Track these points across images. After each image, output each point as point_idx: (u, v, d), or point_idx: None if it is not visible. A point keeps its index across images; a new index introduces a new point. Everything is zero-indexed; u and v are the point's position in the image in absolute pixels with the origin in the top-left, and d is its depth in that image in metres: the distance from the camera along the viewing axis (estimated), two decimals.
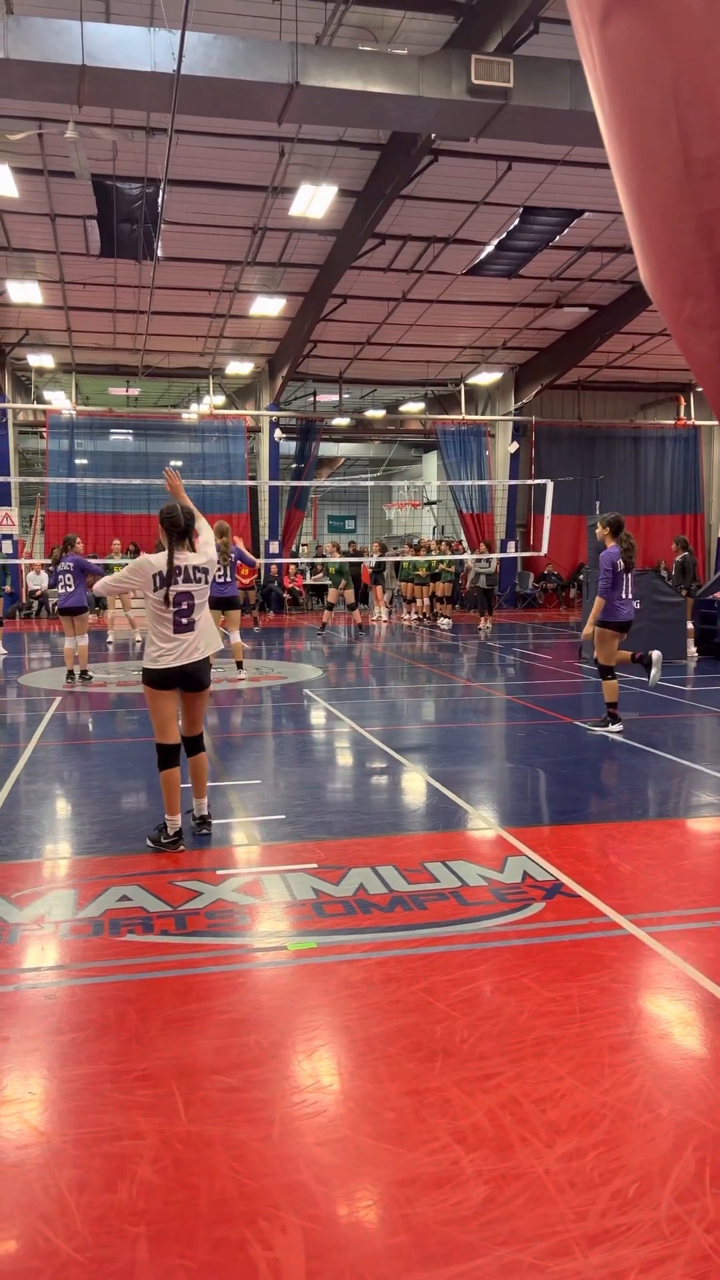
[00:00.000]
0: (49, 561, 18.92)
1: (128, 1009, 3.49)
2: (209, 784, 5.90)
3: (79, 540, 12.56)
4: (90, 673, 12.10)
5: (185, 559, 5.43)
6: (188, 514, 5.53)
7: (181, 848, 5.37)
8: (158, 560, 5.41)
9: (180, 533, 5.46)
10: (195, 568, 5.44)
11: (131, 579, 5.42)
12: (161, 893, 4.65)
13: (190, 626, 5.40)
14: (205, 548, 5.58)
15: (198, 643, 5.44)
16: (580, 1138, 2.70)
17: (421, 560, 21.27)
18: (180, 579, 5.36)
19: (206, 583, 5.49)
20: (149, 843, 5.39)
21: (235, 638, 12.14)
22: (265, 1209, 2.43)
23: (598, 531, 8.85)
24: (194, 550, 5.52)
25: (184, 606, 5.36)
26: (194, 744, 5.66)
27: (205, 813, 5.72)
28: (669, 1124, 2.76)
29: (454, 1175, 2.55)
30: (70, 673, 11.94)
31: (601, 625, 8.51)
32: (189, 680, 5.46)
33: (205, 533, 5.65)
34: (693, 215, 0.88)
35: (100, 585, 5.70)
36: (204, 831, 5.65)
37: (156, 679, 5.36)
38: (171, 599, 5.30)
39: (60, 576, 11.83)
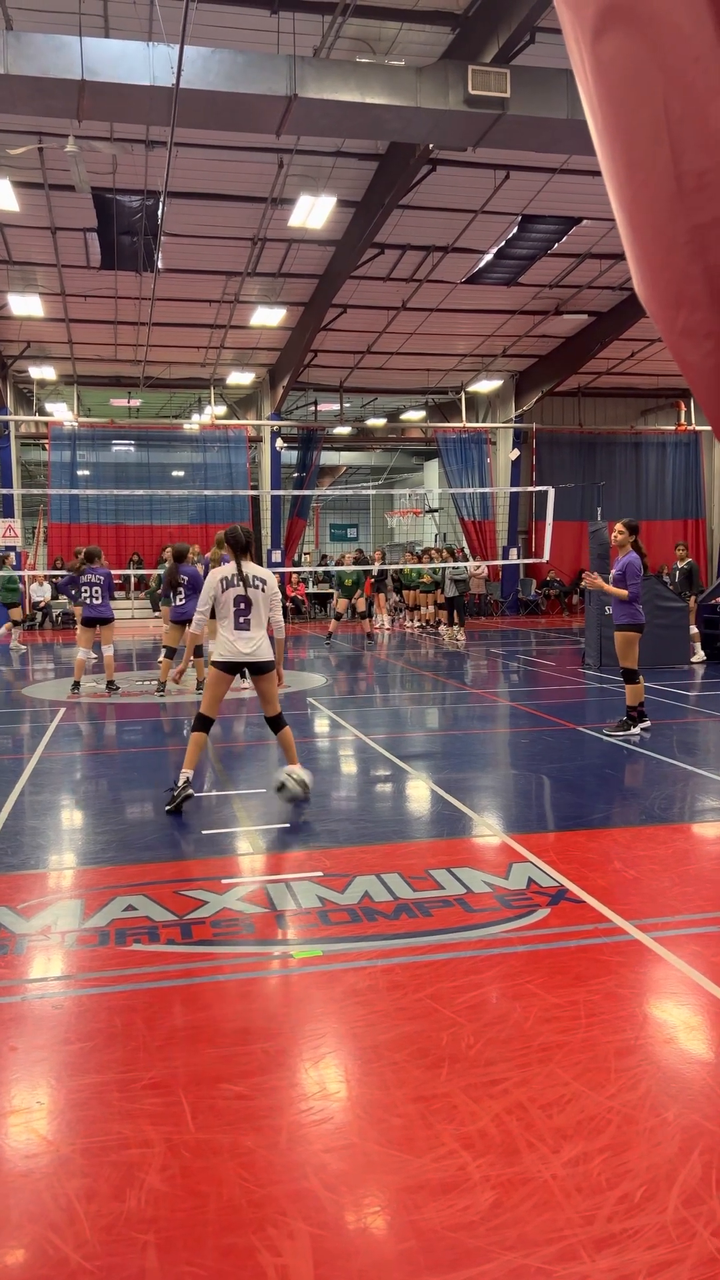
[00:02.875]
0: (59, 572, 18.96)
1: (134, 1018, 3.50)
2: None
3: (102, 554, 12.60)
4: (116, 683, 12.10)
5: (247, 569, 6.42)
6: (246, 533, 6.59)
7: (190, 792, 6.39)
8: (225, 569, 6.44)
9: (242, 547, 6.47)
10: (255, 576, 6.42)
11: (207, 596, 6.41)
12: (167, 902, 4.66)
13: (247, 626, 6.37)
14: (265, 571, 6.57)
15: (259, 644, 6.40)
16: (587, 1142, 2.71)
17: (424, 568, 21.31)
18: (242, 584, 6.39)
19: (264, 591, 6.39)
20: (168, 798, 6.39)
21: None
22: (273, 1216, 2.44)
23: (619, 535, 8.85)
24: (254, 562, 6.55)
25: (242, 607, 6.37)
26: (275, 723, 6.57)
27: (301, 774, 6.54)
28: (675, 1128, 2.77)
29: (461, 1181, 2.56)
30: (76, 683, 11.97)
31: (628, 629, 8.68)
32: (253, 666, 6.40)
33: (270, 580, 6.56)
34: (685, 228, 0.90)
35: (197, 624, 6.61)
36: (182, 806, 6.36)
37: (221, 666, 6.38)
38: (234, 599, 6.35)
39: (86, 588, 11.84)
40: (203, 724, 6.39)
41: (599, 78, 0.94)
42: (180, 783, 6.35)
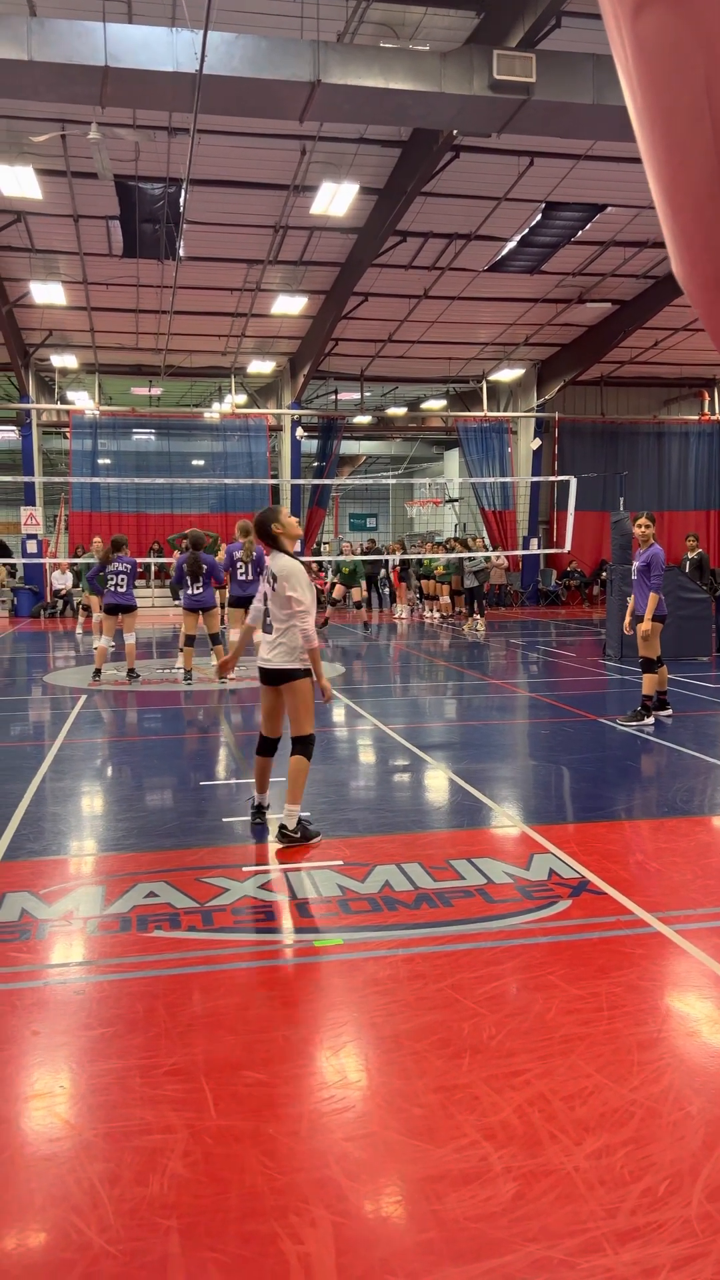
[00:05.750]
0: (81, 560, 19.04)
1: (156, 1004, 3.51)
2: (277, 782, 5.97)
3: (128, 542, 12.62)
4: (137, 671, 12.16)
5: (270, 562, 5.65)
6: (260, 517, 5.72)
7: (259, 821, 5.78)
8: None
9: (265, 537, 5.67)
10: (271, 571, 5.62)
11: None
12: (188, 889, 4.68)
13: (269, 629, 5.60)
14: (286, 564, 5.62)
15: (275, 649, 5.55)
16: (610, 1135, 2.69)
17: (441, 558, 21.25)
18: (264, 580, 5.69)
19: (274, 589, 5.54)
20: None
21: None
22: (295, 1204, 2.44)
23: (643, 530, 8.79)
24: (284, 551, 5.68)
25: (264, 606, 5.66)
26: (294, 744, 5.61)
27: (267, 805, 5.87)
28: (699, 1122, 2.75)
29: (483, 1172, 2.55)
30: (98, 671, 12.02)
31: (652, 620, 8.64)
32: (268, 677, 5.65)
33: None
34: None
35: (252, 615, 5.85)
36: (257, 821, 5.82)
37: (259, 676, 5.73)
38: (261, 597, 5.70)
39: (112, 576, 11.87)
40: (259, 745, 5.83)
41: (639, 56, 0.92)
42: (252, 807, 5.87)
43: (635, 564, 8.90)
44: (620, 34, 0.95)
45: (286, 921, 4.34)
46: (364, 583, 19.93)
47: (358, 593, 19.51)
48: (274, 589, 5.54)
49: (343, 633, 18.51)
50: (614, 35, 0.97)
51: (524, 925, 4.21)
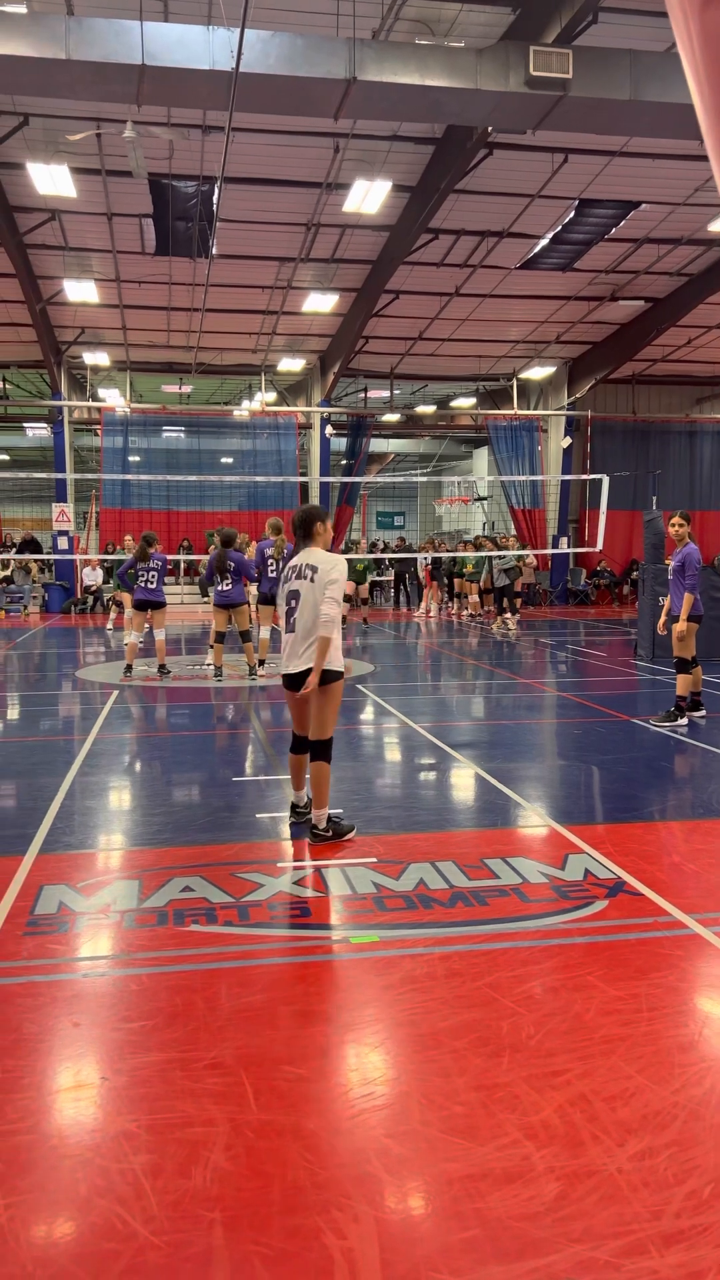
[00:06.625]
0: (114, 556, 19.16)
1: (194, 998, 3.53)
2: (323, 790, 5.51)
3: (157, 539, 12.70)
4: (167, 667, 12.24)
5: (305, 557, 5.48)
6: (303, 512, 5.61)
7: (297, 810, 5.77)
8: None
9: (304, 534, 5.56)
10: (307, 565, 5.44)
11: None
12: (224, 884, 4.69)
13: (292, 627, 5.45)
14: (323, 557, 5.49)
15: (295, 649, 5.43)
16: (652, 1137, 2.68)
17: (471, 556, 21.18)
18: (294, 576, 5.47)
19: (313, 581, 5.36)
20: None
21: None
22: (337, 1198, 2.44)
23: (677, 529, 8.73)
24: (320, 549, 5.57)
25: (292, 605, 5.45)
26: (313, 750, 5.51)
27: (303, 805, 5.78)
28: None
29: (525, 1171, 2.54)
30: (129, 667, 12.10)
31: (688, 620, 8.59)
32: (293, 682, 5.50)
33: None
34: None
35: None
36: (295, 820, 5.75)
37: (284, 683, 5.62)
38: (288, 595, 5.49)
39: (143, 573, 11.93)
40: (296, 745, 5.73)
41: (706, 48, 0.92)
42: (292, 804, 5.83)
43: (671, 564, 8.83)
44: (687, 27, 0.94)
45: (322, 917, 4.34)
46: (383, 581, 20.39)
47: (364, 589, 20.01)
48: (313, 581, 5.35)
49: (361, 630, 18.51)
50: (680, 28, 0.96)
51: (561, 925, 4.19)
